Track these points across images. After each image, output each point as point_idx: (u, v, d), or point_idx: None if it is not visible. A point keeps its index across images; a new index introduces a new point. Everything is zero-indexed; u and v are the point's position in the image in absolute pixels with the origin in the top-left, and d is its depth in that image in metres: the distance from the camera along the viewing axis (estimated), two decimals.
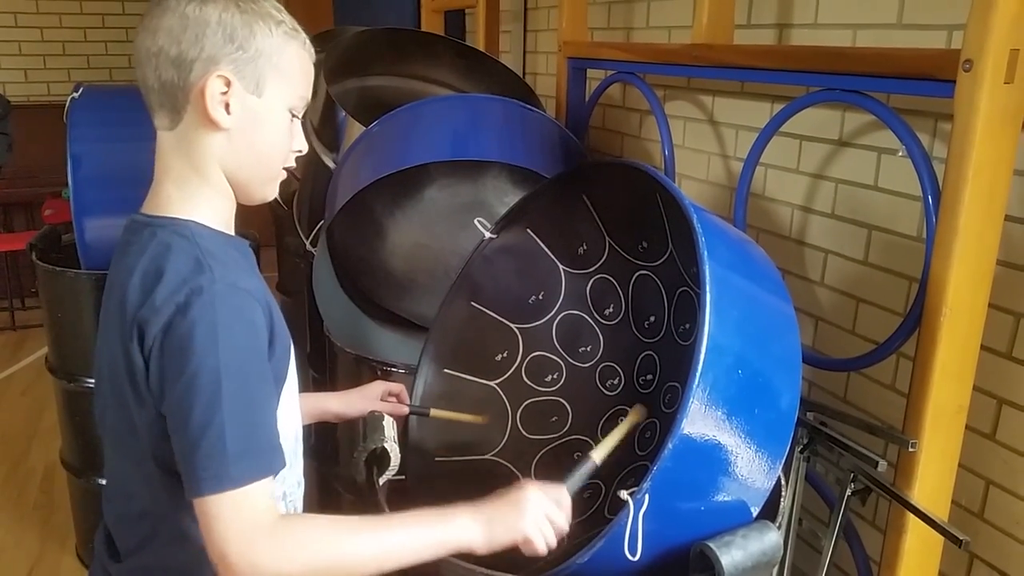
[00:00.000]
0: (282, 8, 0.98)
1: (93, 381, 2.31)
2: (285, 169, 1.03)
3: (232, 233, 1.03)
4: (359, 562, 0.90)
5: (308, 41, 1.00)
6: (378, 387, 1.34)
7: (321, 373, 2.25)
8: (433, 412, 1.38)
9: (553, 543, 0.96)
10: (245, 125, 0.96)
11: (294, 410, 1.08)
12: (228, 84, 0.93)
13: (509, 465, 1.43)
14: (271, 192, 1.03)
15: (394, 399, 1.35)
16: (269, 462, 0.91)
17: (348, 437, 1.96)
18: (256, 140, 0.98)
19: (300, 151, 1.03)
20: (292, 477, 1.08)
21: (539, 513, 0.97)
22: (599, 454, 1.13)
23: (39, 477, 3.16)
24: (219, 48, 0.92)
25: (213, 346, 0.87)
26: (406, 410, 1.36)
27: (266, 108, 0.97)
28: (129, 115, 2.28)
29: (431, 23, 3.19)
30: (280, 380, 1.01)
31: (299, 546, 0.88)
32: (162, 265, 0.91)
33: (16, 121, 4.13)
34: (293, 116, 1.00)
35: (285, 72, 0.96)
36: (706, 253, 0.94)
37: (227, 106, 0.94)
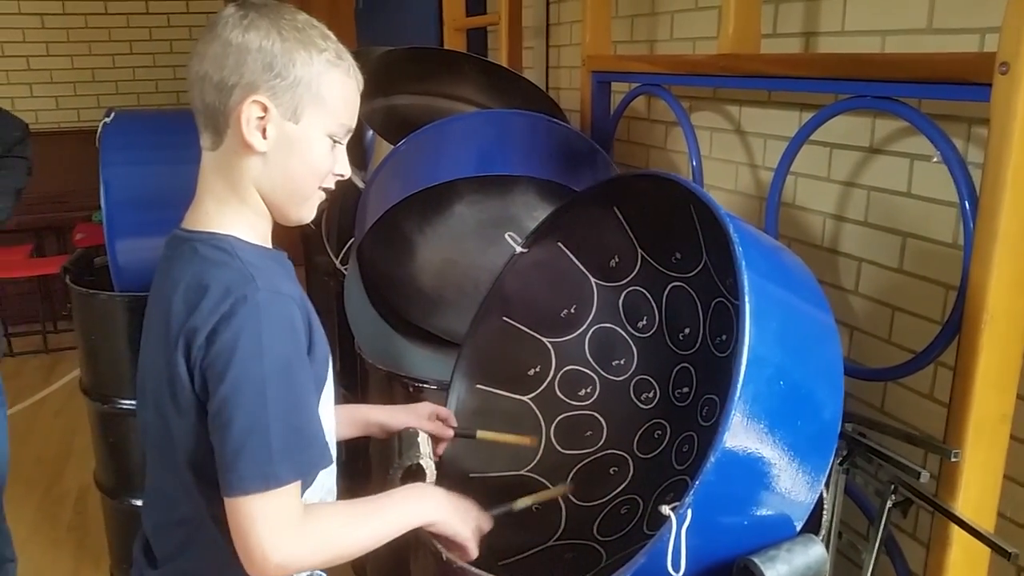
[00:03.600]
0: (329, 35, 1.00)
1: (128, 401, 2.33)
2: (324, 190, 1.05)
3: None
4: (367, 543, 1.00)
5: (354, 68, 1.02)
6: (426, 408, 1.34)
7: (351, 390, 2.25)
8: (480, 434, 1.36)
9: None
10: (281, 150, 0.98)
11: (329, 416, 1.10)
12: (265, 110, 0.96)
13: (543, 480, 1.42)
14: (307, 214, 1.06)
15: (440, 424, 1.35)
16: (313, 460, 0.95)
17: (380, 453, 1.96)
18: (291, 165, 1.00)
19: (342, 175, 1.05)
20: (327, 483, 1.10)
21: (475, 525, 1.12)
22: (520, 503, 1.27)
23: (73, 499, 3.20)
24: (258, 75, 0.95)
25: (258, 351, 0.90)
26: (451, 433, 1.35)
27: (303, 134, 0.99)
28: (159, 139, 2.34)
29: (453, 42, 3.21)
30: (320, 385, 1.04)
31: (323, 538, 0.96)
32: (205, 279, 0.94)
33: (47, 148, 4.19)
34: (335, 142, 1.02)
35: (325, 100, 0.98)
36: (744, 263, 0.93)
37: (264, 131, 0.97)
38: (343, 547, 0.98)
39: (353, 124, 1.04)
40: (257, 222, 1.03)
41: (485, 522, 1.15)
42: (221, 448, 0.91)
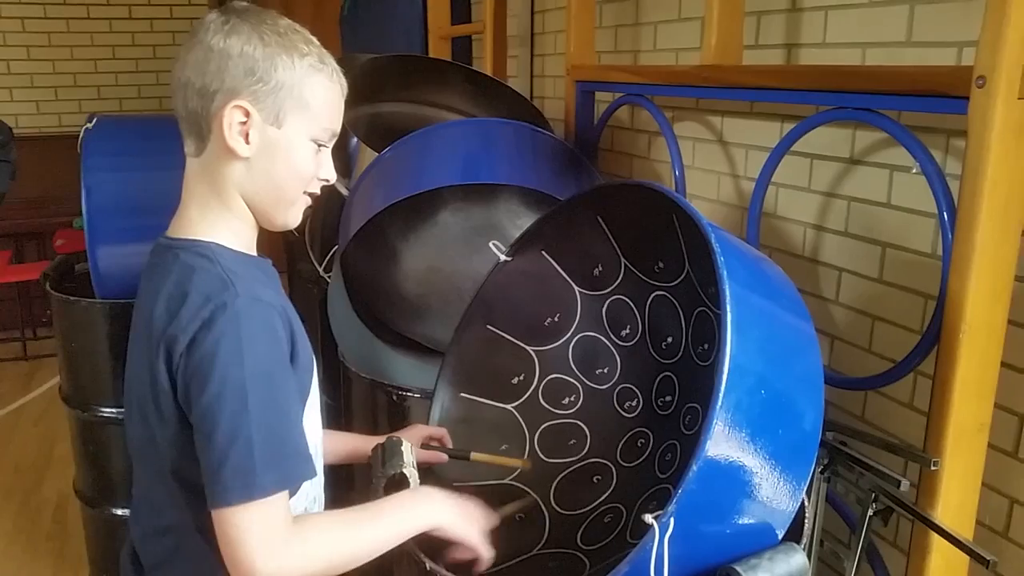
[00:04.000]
0: (312, 40, 1.00)
1: (108, 409, 2.31)
2: (309, 195, 1.04)
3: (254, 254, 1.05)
4: (364, 552, 0.98)
5: (337, 73, 1.02)
6: (419, 431, 1.33)
7: (335, 399, 2.24)
8: (473, 456, 1.34)
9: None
10: (264, 154, 0.98)
11: (316, 424, 1.10)
12: (247, 115, 0.96)
13: (527, 489, 1.42)
14: (293, 219, 1.05)
15: (436, 443, 1.34)
16: (296, 470, 0.94)
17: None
18: (274, 169, 1.00)
19: (327, 180, 1.05)
20: (312, 492, 1.09)
21: (481, 525, 1.10)
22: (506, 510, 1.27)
23: (52, 507, 3.16)
24: (240, 80, 0.95)
25: (238, 358, 0.89)
26: (445, 458, 1.34)
27: (286, 139, 0.99)
28: (142, 145, 2.33)
29: (438, 50, 3.22)
30: (304, 393, 1.03)
31: (316, 548, 0.93)
32: (186, 286, 0.94)
33: (28, 153, 4.16)
34: (320, 146, 1.02)
35: (308, 104, 0.98)
36: (725, 273, 0.94)
37: (246, 136, 0.97)
38: (338, 557, 0.95)
39: (337, 128, 1.04)
40: (241, 229, 1.02)
41: (491, 519, 1.13)
42: (205, 459, 0.90)
